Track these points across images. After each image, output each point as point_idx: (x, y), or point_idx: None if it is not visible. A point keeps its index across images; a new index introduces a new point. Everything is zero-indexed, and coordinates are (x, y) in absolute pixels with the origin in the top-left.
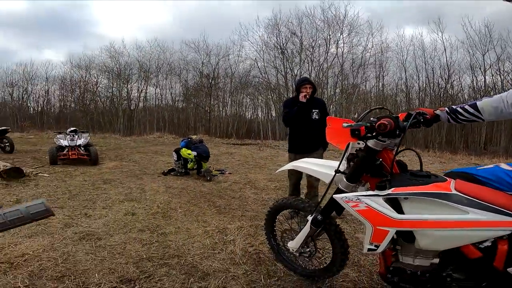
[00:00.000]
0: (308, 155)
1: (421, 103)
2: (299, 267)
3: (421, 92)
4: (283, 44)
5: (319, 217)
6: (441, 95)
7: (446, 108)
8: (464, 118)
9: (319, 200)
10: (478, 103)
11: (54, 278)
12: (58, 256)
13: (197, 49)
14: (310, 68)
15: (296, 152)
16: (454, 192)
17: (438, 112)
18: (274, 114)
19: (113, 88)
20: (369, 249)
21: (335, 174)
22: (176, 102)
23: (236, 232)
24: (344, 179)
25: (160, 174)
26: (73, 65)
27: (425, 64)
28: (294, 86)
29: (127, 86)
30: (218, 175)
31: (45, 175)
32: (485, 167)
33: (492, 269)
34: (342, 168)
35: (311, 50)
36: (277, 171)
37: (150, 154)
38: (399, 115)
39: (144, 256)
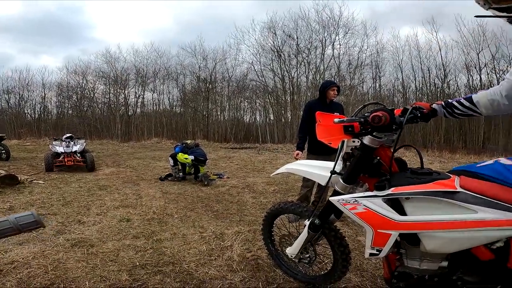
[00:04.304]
0: (329, 157)
1: None
2: (299, 273)
3: (418, 92)
4: (279, 46)
5: (317, 221)
6: (438, 95)
7: (442, 102)
8: (460, 112)
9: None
10: (473, 96)
11: (43, 286)
12: (48, 264)
13: (194, 53)
14: (307, 70)
15: (318, 153)
16: (459, 189)
17: (434, 105)
18: (272, 118)
19: (110, 94)
20: (371, 254)
21: (330, 175)
22: (174, 107)
23: (234, 238)
24: (341, 180)
25: (157, 180)
26: (70, 71)
27: (421, 64)
28: (291, 88)
29: (124, 91)
30: (216, 180)
31: (40, 182)
32: (485, 163)
33: (507, 271)
34: (338, 169)
35: (307, 52)
36: (272, 174)
37: (147, 159)
38: (395, 110)
39: (138, 264)
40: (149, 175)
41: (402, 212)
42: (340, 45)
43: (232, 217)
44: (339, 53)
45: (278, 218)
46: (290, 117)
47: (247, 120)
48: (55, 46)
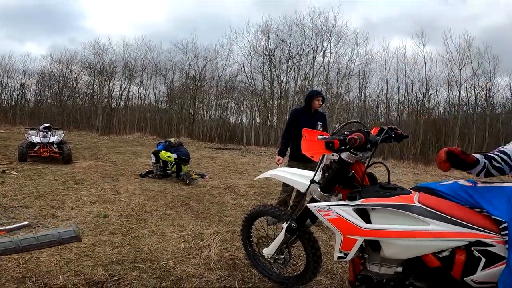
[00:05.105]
0: (310, 164)
1: (399, 115)
2: (274, 274)
3: (400, 104)
4: (271, 50)
5: (294, 224)
6: (418, 108)
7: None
8: (497, 165)
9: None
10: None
11: (14, 278)
12: (19, 257)
13: (186, 50)
14: (296, 75)
15: (299, 160)
16: (417, 204)
17: (476, 155)
18: (258, 120)
19: (94, 85)
20: (339, 257)
21: (310, 184)
22: (160, 103)
23: (213, 237)
24: (318, 189)
25: (137, 176)
26: (54, 60)
27: (405, 77)
28: (279, 93)
29: (109, 83)
30: (198, 179)
31: (12, 172)
32: (445, 182)
33: (450, 278)
34: (317, 178)
35: (298, 57)
36: (256, 177)
37: (128, 154)
38: (373, 129)
39: (114, 259)
40: (129, 171)
41: (368, 220)
42: (331, 53)
43: (212, 217)
44: (329, 61)
45: (257, 220)
46: (276, 121)
47: (233, 121)
48: (42, 34)
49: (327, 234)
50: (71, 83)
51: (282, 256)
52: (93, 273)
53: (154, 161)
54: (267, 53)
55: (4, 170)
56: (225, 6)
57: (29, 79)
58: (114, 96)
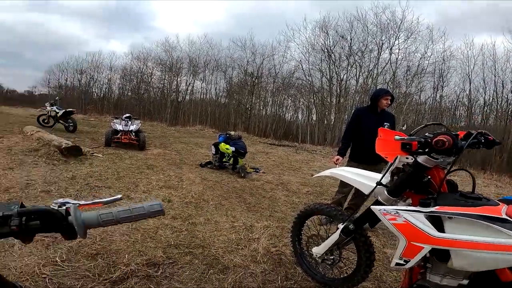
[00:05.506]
0: (371, 167)
1: (484, 119)
2: (319, 274)
3: (486, 107)
4: (330, 47)
5: (351, 226)
6: (509, 112)
7: None
8: None
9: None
10: None
11: (89, 255)
12: (97, 235)
13: (244, 47)
14: (358, 73)
15: (360, 161)
16: (504, 216)
17: None
18: (314, 118)
19: (165, 80)
20: (397, 263)
21: (375, 186)
22: (219, 98)
23: (262, 231)
24: (385, 192)
25: (198, 166)
26: (134, 57)
27: (495, 77)
28: (338, 90)
29: (177, 79)
30: (252, 173)
31: (99, 155)
32: None
33: None
34: (384, 181)
35: (360, 54)
36: (314, 175)
37: (191, 145)
38: (458, 133)
39: (172, 243)
40: (191, 160)
41: (440, 229)
42: (399, 49)
43: (263, 212)
44: (396, 58)
45: (310, 219)
46: (333, 120)
47: (289, 117)
48: (124, 33)
49: (381, 240)
50: (146, 78)
51: (332, 257)
52: (154, 254)
53: (214, 152)
54: (325, 50)
55: (93, 153)
56: (281, 3)
57: (114, 74)
58: (181, 91)
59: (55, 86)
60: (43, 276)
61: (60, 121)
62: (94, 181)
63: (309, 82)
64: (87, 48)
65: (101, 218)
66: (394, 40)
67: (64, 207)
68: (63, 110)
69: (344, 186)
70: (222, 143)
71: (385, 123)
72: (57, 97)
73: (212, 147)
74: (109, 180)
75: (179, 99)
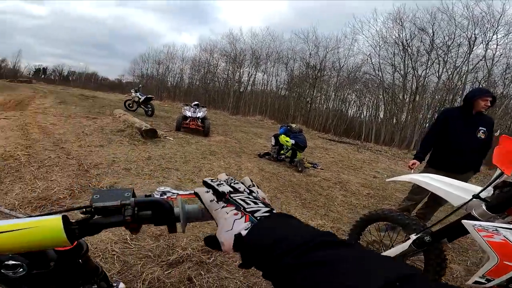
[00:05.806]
0: (453, 175)
1: None
2: None
3: None
4: (406, 40)
5: (427, 238)
6: None
7: None
8: None
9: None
10: None
11: (154, 235)
12: None
13: (306, 40)
14: (440, 69)
15: (440, 168)
16: None
17: None
18: (382, 116)
19: (228, 71)
20: (476, 281)
21: (471, 199)
22: (280, 90)
23: None
24: (483, 207)
25: (256, 156)
26: (202, 48)
27: None
28: (414, 87)
29: (240, 70)
30: (310, 168)
31: (170, 139)
32: None
33: None
34: (483, 195)
35: (445, 49)
36: (389, 179)
37: (250, 134)
38: None
39: None
40: (249, 149)
41: None
42: (497, 45)
43: (318, 210)
44: (493, 54)
45: (373, 224)
46: (404, 119)
47: (351, 113)
48: (193, 25)
49: (450, 255)
50: (212, 68)
51: None
52: None
53: (273, 143)
54: (400, 43)
55: (166, 136)
56: None
57: (185, 65)
58: (243, 82)
59: (138, 75)
60: (113, 253)
61: (141, 106)
62: (165, 163)
63: (379, 77)
64: (164, 40)
65: (202, 212)
66: (491, 35)
67: (165, 196)
68: (144, 96)
69: (416, 194)
70: (283, 135)
71: (480, 128)
72: (140, 85)
73: (272, 138)
74: (177, 163)
75: (241, 90)
